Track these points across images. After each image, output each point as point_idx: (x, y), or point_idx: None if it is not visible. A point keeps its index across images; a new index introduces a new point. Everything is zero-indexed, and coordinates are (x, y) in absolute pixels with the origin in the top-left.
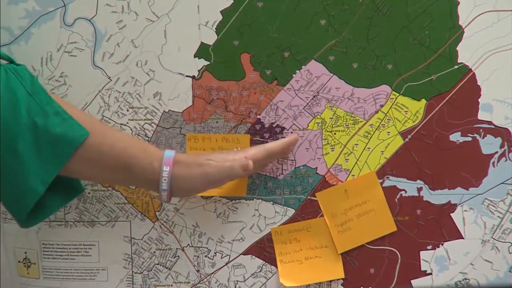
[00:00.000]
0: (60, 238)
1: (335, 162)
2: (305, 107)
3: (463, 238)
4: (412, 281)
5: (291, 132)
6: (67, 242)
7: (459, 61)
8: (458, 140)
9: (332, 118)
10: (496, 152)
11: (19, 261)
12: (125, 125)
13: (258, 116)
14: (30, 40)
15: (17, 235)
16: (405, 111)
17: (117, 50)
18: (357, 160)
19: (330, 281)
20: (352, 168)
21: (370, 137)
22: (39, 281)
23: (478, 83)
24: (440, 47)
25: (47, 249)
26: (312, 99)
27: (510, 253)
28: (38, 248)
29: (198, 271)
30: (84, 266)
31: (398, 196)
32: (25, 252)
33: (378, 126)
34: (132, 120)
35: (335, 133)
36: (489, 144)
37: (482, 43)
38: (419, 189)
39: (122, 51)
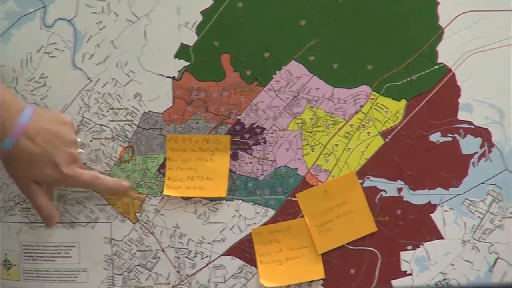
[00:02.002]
0: (41, 240)
1: (315, 162)
2: (285, 107)
3: (443, 238)
4: (392, 281)
5: (271, 133)
6: (48, 244)
7: (439, 61)
8: (438, 140)
9: (312, 118)
10: (476, 152)
11: None
12: (106, 126)
13: (238, 117)
14: (9, 41)
15: None
16: (385, 112)
17: (97, 51)
18: (337, 160)
19: (311, 281)
20: (332, 169)
21: (350, 138)
22: (19, 283)
23: (458, 83)
24: (420, 47)
25: (28, 250)
26: (292, 99)
27: (490, 253)
28: (18, 249)
29: (178, 272)
30: (65, 267)
31: (378, 197)
32: (6, 254)
33: (358, 126)
34: (112, 121)
35: (315, 134)
36: (469, 144)
37: (462, 43)
38: (400, 190)
39: (102, 52)
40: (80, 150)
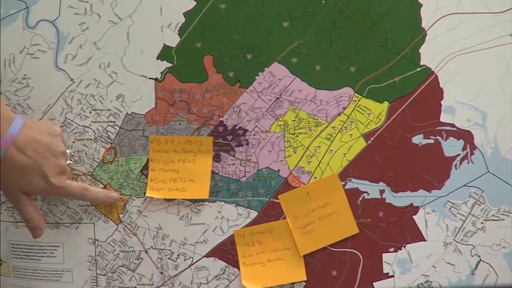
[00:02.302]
0: (26, 239)
1: (297, 164)
2: (267, 109)
3: (425, 241)
4: (374, 283)
5: (254, 135)
6: (33, 243)
7: (421, 64)
8: (420, 143)
9: (295, 120)
10: (459, 155)
11: None
12: (88, 127)
13: (220, 118)
14: None
15: None
16: (367, 113)
17: (79, 52)
18: (320, 162)
19: (293, 283)
20: (315, 171)
21: (333, 140)
22: (10, 279)
23: (441, 86)
24: (403, 49)
25: (15, 249)
26: (275, 101)
27: (472, 256)
28: (7, 247)
29: (161, 273)
30: (50, 267)
31: (360, 198)
32: None
33: (341, 128)
34: (95, 122)
35: (297, 136)
36: (452, 147)
37: (444, 46)
38: (382, 191)
39: (84, 53)
40: (69, 161)
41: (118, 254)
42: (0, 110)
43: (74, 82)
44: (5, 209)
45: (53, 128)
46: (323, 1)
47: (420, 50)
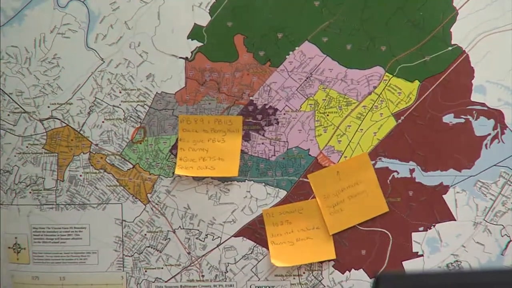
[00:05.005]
0: (51, 222)
1: (327, 143)
2: (298, 88)
3: (455, 220)
4: (403, 262)
5: (284, 114)
6: (58, 226)
7: (452, 43)
8: (451, 122)
9: (325, 99)
10: (489, 134)
11: (9, 247)
12: (118, 106)
13: (251, 98)
14: (23, 21)
15: (7, 220)
16: (398, 93)
17: (110, 31)
18: (350, 141)
19: (321, 262)
20: (345, 150)
21: (363, 119)
22: (29, 266)
23: (472, 65)
24: (434, 28)
25: (38, 233)
26: (305, 80)
27: (502, 236)
28: (28, 232)
29: (189, 253)
30: (75, 249)
31: (390, 178)
32: (15, 238)
33: (371, 107)
34: (125, 101)
35: (328, 115)
36: (482, 126)
37: (475, 25)
38: (412, 171)
39: (115, 32)
40: None
41: (145, 234)
42: None
43: (104, 61)
44: (30, 192)
45: None
46: None
47: (451, 30)
